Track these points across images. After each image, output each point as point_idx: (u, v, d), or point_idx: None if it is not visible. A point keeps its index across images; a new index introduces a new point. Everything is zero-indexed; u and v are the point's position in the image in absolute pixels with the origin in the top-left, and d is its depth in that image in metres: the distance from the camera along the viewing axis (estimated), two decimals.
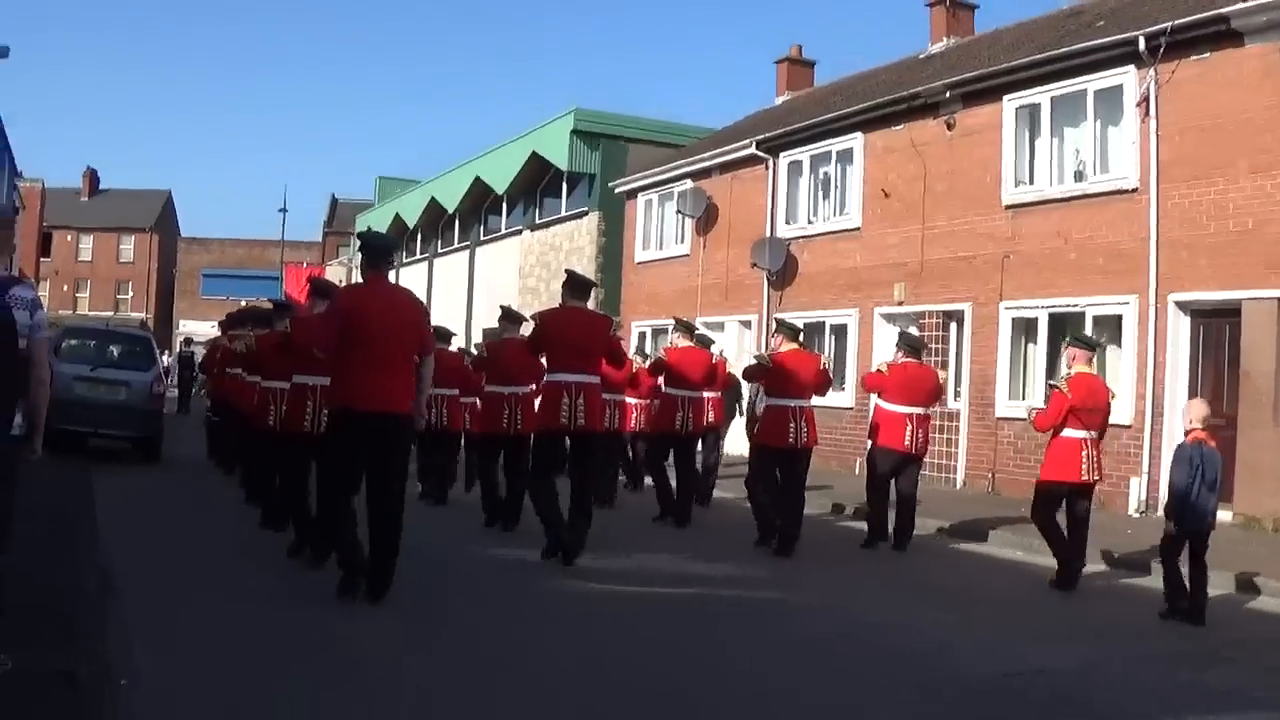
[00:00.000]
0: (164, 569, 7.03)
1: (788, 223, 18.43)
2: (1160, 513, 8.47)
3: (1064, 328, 13.79)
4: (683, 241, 21.46)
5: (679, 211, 20.67)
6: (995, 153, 14.59)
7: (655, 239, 22.59)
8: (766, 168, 18.83)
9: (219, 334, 15.29)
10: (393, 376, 6.31)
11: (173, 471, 13.57)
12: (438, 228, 36.51)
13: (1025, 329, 14.32)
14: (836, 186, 17.46)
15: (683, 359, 10.73)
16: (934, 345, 15.19)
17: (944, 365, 15.13)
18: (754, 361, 9.68)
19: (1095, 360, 8.92)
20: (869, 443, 9.97)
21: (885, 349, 16.06)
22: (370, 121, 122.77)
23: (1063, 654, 6.13)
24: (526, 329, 9.49)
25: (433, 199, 34.52)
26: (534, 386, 9.46)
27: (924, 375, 9.89)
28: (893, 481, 9.83)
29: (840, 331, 17.05)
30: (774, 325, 10.31)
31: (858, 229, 16.82)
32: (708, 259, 20.40)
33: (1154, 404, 12.39)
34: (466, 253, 33.42)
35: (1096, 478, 8.24)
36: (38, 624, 5.13)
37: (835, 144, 17.37)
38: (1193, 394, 11.70)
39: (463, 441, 12.12)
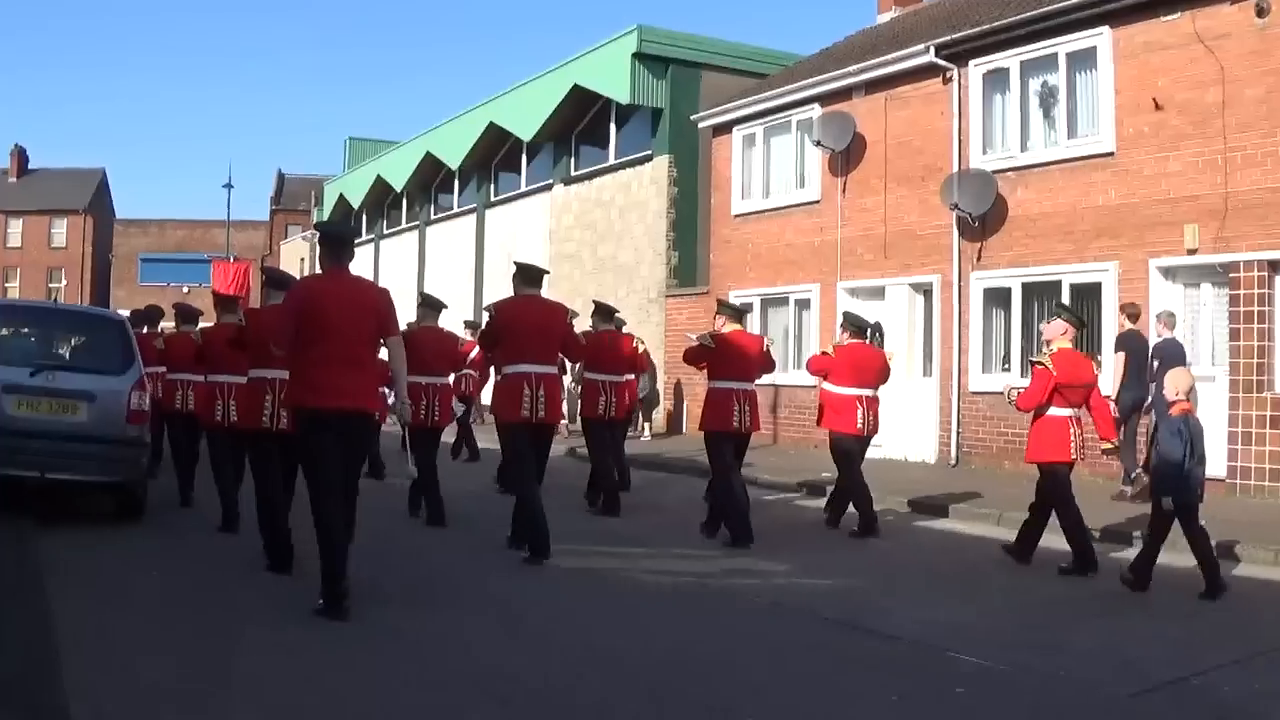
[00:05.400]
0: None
1: (984, 151, 14.08)
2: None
3: None
4: (806, 185, 16.96)
5: (816, 143, 15.98)
6: None
7: (760, 184, 17.98)
8: (947, 80, 14.45)
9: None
10: (355, 370, 6.08)
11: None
12: (430, 189, 31.59)
13: None
14: (1067, 100, 13.15)
15: (611, 343, 10.86)
16: (1252, 308, 11.08)
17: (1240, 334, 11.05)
18: (695, 343, 9.30)
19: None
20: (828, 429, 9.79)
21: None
22: (318, 93, 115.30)
23: None
24: (444, 318, 10.21)
25: (428, 154, 29.56)
26: (452, 377, 10.48)
27: (872, 356, 9.80)
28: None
29: (1087, 293, 12.76)
30: (717, 305, 9.78)
31: (1110, 154, 12.52)
32: (851, 205, 15.95)
33: None
34: (471, 217, 28.59)
35: (1082, 457, 8.15)
36: None
37: (1064, 43, 13.02)
38: None
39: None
